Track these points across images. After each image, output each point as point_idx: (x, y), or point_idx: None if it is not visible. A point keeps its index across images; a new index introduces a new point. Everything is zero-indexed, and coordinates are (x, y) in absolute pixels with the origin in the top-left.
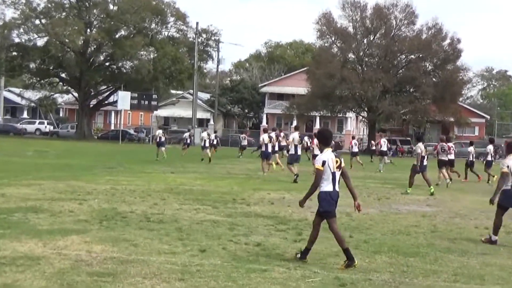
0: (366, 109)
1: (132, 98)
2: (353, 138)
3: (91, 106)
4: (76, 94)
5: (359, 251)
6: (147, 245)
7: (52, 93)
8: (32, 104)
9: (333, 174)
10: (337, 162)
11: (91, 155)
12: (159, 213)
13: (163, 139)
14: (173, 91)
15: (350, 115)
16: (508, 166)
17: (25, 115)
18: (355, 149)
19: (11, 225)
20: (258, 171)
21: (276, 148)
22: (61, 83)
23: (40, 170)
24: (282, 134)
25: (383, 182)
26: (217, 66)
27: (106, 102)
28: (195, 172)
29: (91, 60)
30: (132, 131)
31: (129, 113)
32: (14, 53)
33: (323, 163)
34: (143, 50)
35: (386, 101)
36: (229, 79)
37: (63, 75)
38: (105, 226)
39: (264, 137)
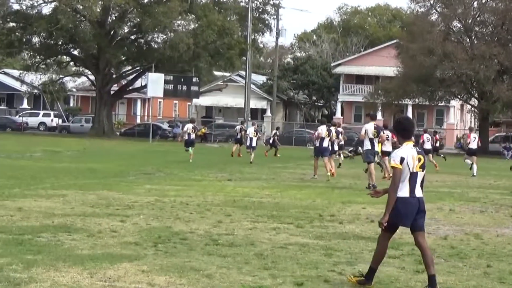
0: (476, 95)
1: (166, 82)
2: (425, 132)
3: (112, 93)
4: (92, 78)
5: (507, 286)
6: (224, 276)
7: (61, 76)
8: (34, 91)
9: (413, 175)
10: (419, 160)
11: (117, 157)
12: (228, 233)
13: (192, 136)
14: (218, 73)
15: (454, 103)
16: None
17: (25, 104)
18: (427, 146)
19: (41, 248)
20: (339, 178)
21: (336, 147)
22: (72, 62)
23: (58, 177)
24: (340, 129)
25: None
26: (276, 39)
27: (131, 87)
28: (258, 179)
29: (112, 32)
30: (165, 126)
31: (159, 102)
32: (13, 24)
33: (401, 160)
34: (180, 18)
35: (503, 85)
36: (291, 56)
37: (75, 52)
38: (162, 251)
39: (321, 128)
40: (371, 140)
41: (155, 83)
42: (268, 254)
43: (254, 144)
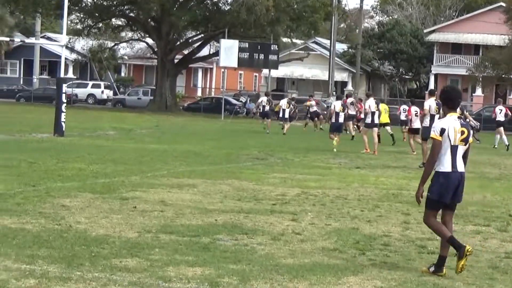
0: None
1: (240, 50)
2: (499, 103)
3: (175, 61)
4: (151, 44)
5: None
6: None
7: (116, 42)
8: (80, 59)
9: (454, 148)
10: (462, 133)
11: (201, 137)
12: (429, 237)
13: (267, 108)
14: (296, 41)
15: None
16: None
17: (70, 73)
18: (500, 118)
19: (235, 256)
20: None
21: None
22: (129, 27)
23: (165, 161)
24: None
25: None
26: (361, 0)
27: (195, 56)
28: (387, 166)
29: None
30: (232, 100)
31: (222, 72)
32: None
33: (442, 131)
34: None
35: None
36: (375, 21)
37: (131, 14)
38: (378, 261)
39: (335, 104)
40: (432, 117)
41: (228, 51)
42: (504, 266)
43: (286, 115)
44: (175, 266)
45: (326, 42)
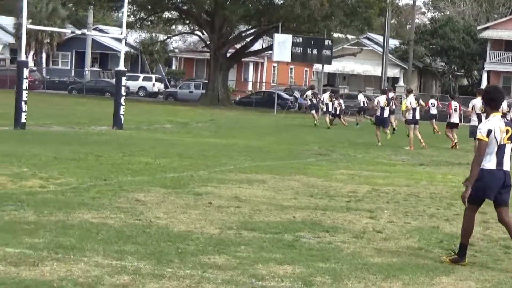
0: None
1: (293, 44)
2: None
3: (228, 55)
4: (204, 38)
5: None
6: None
7: (169, 35)
8: (132, 52)
9: (501, 147)
10: (507, 132)
11: (258, 131)
12: None
13: (315, 101)
14: (349, 36)
15: None
16: None
17: (120, 66)
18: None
19: (322, 254)
20: None
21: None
22: (181, 20)
23: (231, 156)
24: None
25: None
26: None
27: (248, 50)
28: (451, 163)
29: None
30: (284, 94)
31: (274, 67)
32: None
33: (489, 132)
34: None
35: None
36: (426, 17)
37: (184, 7)
38: (467, 260)
39: (380, 98)
40: (479, 116)
41: (282, 45)
42: None
43: (330, 109)
44: (264, 264)
45: (378, 37)
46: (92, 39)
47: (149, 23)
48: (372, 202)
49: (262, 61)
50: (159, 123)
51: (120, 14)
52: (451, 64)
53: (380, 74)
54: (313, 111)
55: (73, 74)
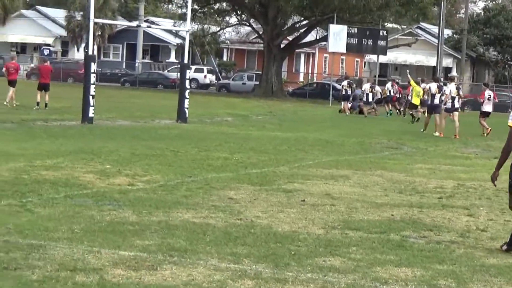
0: None
1: (349, 35)
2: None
3: (282, 46)
4: (257, 28)
5: None
6: None
7: (222, 26)
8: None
9: None
10: None
11: (320, 124)
12: None
13: (349, 92)
14: (402, 27)
15: None
16: None
17: (172, 58)
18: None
19: (427, 254)
20: None
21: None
22: (234, 11)
23: (303, 150)
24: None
25: None
26: None
27: (302, 41)
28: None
29: None
30: (338, 85)
31: (325, 57)
32: None
33: None
34: None
35: None
36: (477, 6)
37: None
38: None
39: (431, 86)
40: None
41: (337, 36)
42: None
43: (370, 99)
44: (382, 266)
45: (430, 27)
46: (144, 31)
47: (201, 14)
48: (464, 199)
49: (314, 51)
50: (219, 116)
51: (172, 6)
52: (504, 54)
53: (432, 64)
54: (344, 102)
55: (124, 66)
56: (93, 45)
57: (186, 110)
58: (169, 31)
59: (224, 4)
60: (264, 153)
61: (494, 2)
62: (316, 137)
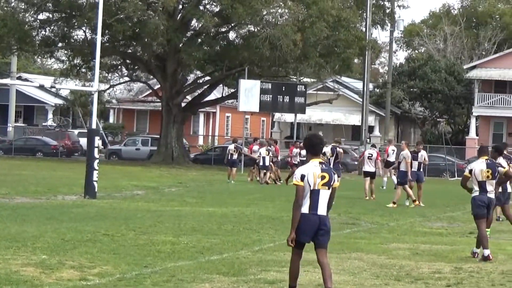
0: None
1: (261, 91)
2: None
3: (183, 105)
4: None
5: None
6: None
7: (112, 84)
8: (63, 104)
9: (314, 192)
10: (323, 178)
11: (247, 196)
12: None
13: (235, 156)
14: (324, 81)
15: None
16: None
17: (49, 121)
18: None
19: None
20: None
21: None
22: (124, 66)
23: (253, 230)
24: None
25: None
26: (391, 32)
27: (205, 100)
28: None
29: (188, 25)
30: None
31: (227, 117)
32: (48, 15)
33: (302, 177)
34: (283, 6)
35: None
36: (395, 57)
37: (129, 51)
38: None
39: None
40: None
41: (248, 93)
42: None
43: (267, 163)
44: None
45: (348, 81)
46: (16, 89)
47: (86, 69)
48: (475, 286)
49: (214, 110)
50: (126, 189)
51: (48, 61)
52: (432, 109)
53: (352, 123)
54: (230, 167)
55: None
56: None
57: (95, 183)
58: (47, 90)
59: (113, 57)
60: (212, 234)
61: (417, 52)
62: (255, 212)
